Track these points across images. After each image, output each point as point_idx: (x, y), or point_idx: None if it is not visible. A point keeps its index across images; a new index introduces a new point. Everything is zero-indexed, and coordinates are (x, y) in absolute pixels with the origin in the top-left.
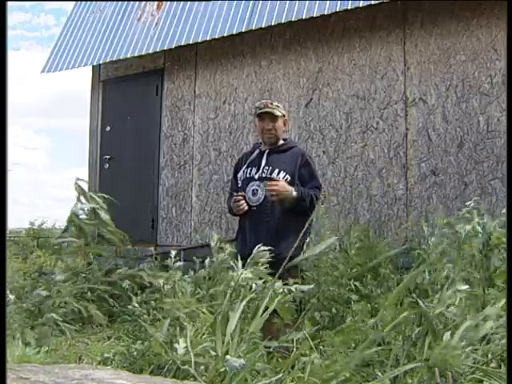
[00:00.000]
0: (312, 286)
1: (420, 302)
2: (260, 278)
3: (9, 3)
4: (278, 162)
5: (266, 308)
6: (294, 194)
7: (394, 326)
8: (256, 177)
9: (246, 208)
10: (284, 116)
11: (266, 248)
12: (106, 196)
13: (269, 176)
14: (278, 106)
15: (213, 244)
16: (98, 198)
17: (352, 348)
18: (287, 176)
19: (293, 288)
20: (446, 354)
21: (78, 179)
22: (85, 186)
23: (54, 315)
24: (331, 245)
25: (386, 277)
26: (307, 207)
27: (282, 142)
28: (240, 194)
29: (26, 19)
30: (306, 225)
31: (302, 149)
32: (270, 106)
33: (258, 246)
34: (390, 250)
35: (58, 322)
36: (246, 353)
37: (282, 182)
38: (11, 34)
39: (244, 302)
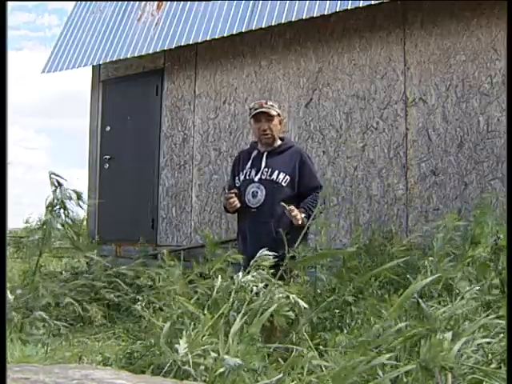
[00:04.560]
0: (307, 307)
1: (422, 303)
2: (262, 281)
3: (12, 4)
4: (277, 163)
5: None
6: (303, 215)
7: (398, 331)
8: (255, 179)
9: (238, 205)
10: (279, 115)
11: (269, 253)
12: (78, 192)
13: (268, 178)
14: (273, 106)
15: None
16: (73, 194)
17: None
18: (287, 177)
19: (291, 298)
20: (438, 354)
21: (52, 173)
22: (62, 181)
23: (41, 313)
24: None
25: (388, 277)
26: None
27: (279, 142)
28: (231, 191)
29: (30, 19)
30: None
31: (299, 147)
32: (264, 105)
33: (262, 250)
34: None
35: (51, 322)
36: (244, 353)
37: (298, 216)
38: (15, 34)
39: (246, 305)
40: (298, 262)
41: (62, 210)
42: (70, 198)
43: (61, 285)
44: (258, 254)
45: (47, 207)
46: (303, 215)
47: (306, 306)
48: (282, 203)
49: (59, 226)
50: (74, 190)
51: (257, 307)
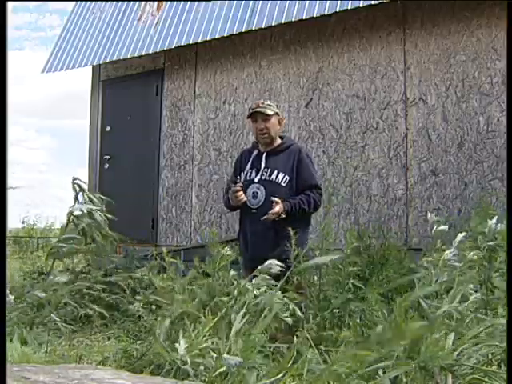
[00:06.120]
0: (303, 315)
1: (422, 303)
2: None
3: (14, 5)
4: (277, 162)
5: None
6: (283, 215)
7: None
8: (256, 180)
9: (245, 199)
10: (278, 114)
11: (277, 262)
12: (103, 197)
13: (268, 178)
14: (270, 105)
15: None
16: (94, 198)
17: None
18: (286, 177)
19: (291, 306)
20: (437, 353)
21: (75, 178)
22: (84, 186)
23: (52, 315)
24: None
25: (388, 277)
26: (304, 213)
27: (279, 141)
28: (238, 185)
29: (32, 20)
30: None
31: (298, 145)
32: (261, 105)
33: (269, 262)
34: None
35: (57, 321)
36: (243, 351)
37: (275, 210)
38: (17, 34)
39: (245, 306)
40: (297, 272)
41: (87, 215)
42: (98, 205)
43: (61, 286)
44: (265, 263)
45: (68, 214)
46: (286, 208)
47: (301, 315)
48: (273, 198)
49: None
50: (100, 196)
51: (258, 309)
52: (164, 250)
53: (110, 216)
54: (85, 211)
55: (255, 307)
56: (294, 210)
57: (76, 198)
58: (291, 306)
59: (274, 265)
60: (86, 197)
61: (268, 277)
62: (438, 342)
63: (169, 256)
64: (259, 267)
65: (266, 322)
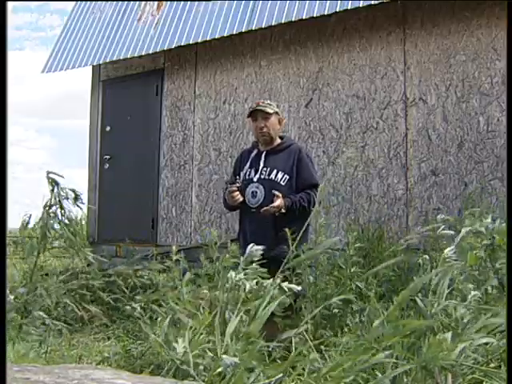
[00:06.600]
0: (301, 288)
1: (419, 301)
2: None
3: (14, 5)
4: (276, 162)
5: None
6: (283, 210)
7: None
8: (255, 179)
9: (241, 199)
10: (278, 113)
11: (259, 247)
12: (76, 191)
13: (267, 177)
14: (270, 104)
15: (212, 242)
16: (70, 192)
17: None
18: (285, 176)
19: (285, 288)
20: (438, 353)
21: (49, 172)
22: (58, 180)
23: (40, 313)
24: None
25: (386, 277)
26: (304, 210)
27: (279, 141)
28: (234, 185)
29: (33, 20)
30: (306, 225)
31: (298, 145)
32: (261, 104)
33: (251, 245)
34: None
35: (46, 319)
36: (242, 351)
37: (276, 204)
38: (17, 34)
39: (242, 303)
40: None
41: (59, 210)
42: (67, 198)
43: (59, 285)
44: (247, 249)
45: (44, 206)
46: (286, 203)
47: (299, 288)
48: (274, 191)
49: (56, 226)
50: (71, 189)
51: (251, 305)
52: (174, 248)
53: (80, 208)
54: (57, 207)
55: (250, 302)
56: (294, 206)
57: (52, 193)
58: (285, 289)
59: (255, 250)
60: (59, 191)
61: (260, 268)
62: (441, 342)
63: (178, 255)
64: (242, 258)
65: (262, 320)
